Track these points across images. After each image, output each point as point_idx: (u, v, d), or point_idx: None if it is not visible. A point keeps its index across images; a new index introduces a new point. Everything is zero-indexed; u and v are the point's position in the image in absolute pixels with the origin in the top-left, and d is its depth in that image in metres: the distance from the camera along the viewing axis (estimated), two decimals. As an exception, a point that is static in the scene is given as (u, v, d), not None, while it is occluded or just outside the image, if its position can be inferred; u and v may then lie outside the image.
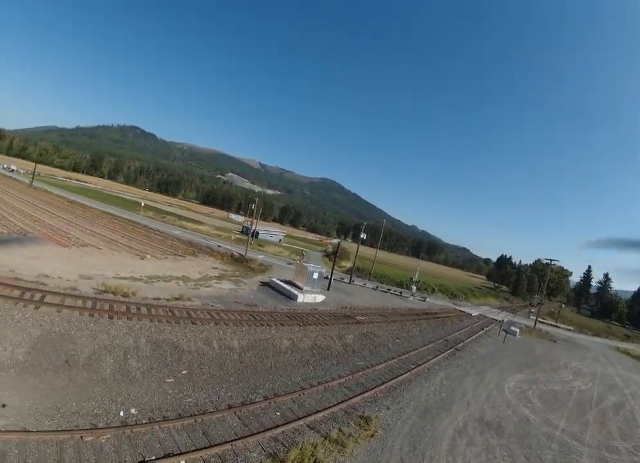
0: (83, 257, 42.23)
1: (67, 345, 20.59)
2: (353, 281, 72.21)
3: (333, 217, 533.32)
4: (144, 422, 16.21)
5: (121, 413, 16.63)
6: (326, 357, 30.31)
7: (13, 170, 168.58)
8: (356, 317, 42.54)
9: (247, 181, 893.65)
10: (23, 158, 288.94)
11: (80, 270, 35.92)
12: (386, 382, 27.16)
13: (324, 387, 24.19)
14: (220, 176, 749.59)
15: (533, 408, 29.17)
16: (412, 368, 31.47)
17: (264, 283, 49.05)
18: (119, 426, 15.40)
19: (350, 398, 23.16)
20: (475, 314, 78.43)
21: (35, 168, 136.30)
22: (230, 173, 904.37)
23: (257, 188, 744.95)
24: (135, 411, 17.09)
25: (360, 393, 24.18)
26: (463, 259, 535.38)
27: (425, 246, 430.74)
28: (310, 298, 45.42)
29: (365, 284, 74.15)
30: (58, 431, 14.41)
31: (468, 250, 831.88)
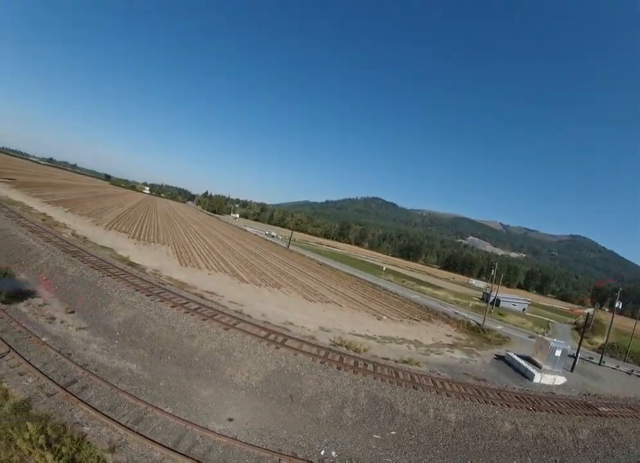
0: (326, 312, 48.64)
1: (295, 383, 24.20)
2: (604, 362, 59.98)
3: (587, 281, 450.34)
4: (340, 466, 17.49)
5: (322, 452, 18.36)
6: (549, 451, 26.00)
7: (273, 236, 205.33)
8: (599, 408, 35.14)
9: (488, 243, 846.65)
10: (282, 226, 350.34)
11: (321, 323, 41.71)
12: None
13: (538, 485, 20.88)
14: (460, 240, 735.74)
15: None
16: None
17: (499, 357, 45.74)
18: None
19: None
20: None
21: (291, 235, 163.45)
22: (470, 237, 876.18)
23: (499, 251, 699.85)
24: (335, 454, 18.57)
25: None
26: None
27: None
28: (548, 378, 40.06)
29: (618, 366, 60.17)
30: (262, 448, 17.15)
31: None
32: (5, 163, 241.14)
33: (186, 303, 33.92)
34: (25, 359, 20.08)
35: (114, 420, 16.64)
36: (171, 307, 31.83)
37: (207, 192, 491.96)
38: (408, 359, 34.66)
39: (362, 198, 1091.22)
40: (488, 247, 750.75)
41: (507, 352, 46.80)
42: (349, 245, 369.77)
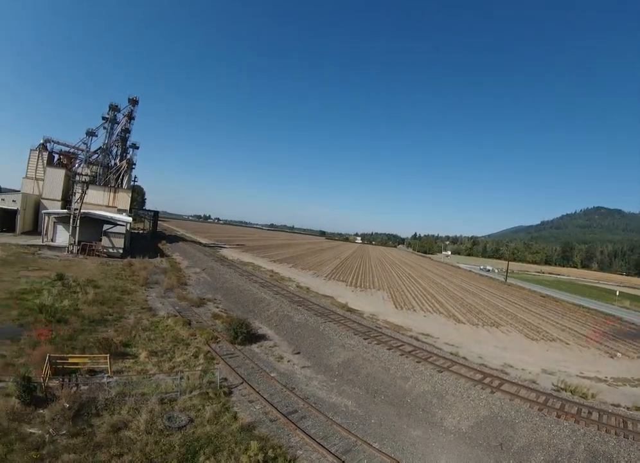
0: (550, 352, 43.96)
1: (507, 431, 22.39)
2: None
3: None
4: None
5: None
6: None
7: (488, 270, 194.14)
8: None
9: None
10: (497, 258, 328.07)
11: (544, 364, 37.97)
12: None
13: None
14: None
15: None
16: None
17: None
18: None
19: None
20: None
21: (507, 266, 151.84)
22: None
23: None
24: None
25: None
26: None
27: None
28: None
29: None
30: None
31: None
32: (234, 232, 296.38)
33: (401, 345, 35.03)
34: (255, 390, 23.98)
35: (325, 448, 18.42)
36: (387, 349, 33.35)
37: (415, 234, 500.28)
38: (643, 405, 28.74)
39: (581, 211, 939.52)
40: None
41: None
42: (575, 269, 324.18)
